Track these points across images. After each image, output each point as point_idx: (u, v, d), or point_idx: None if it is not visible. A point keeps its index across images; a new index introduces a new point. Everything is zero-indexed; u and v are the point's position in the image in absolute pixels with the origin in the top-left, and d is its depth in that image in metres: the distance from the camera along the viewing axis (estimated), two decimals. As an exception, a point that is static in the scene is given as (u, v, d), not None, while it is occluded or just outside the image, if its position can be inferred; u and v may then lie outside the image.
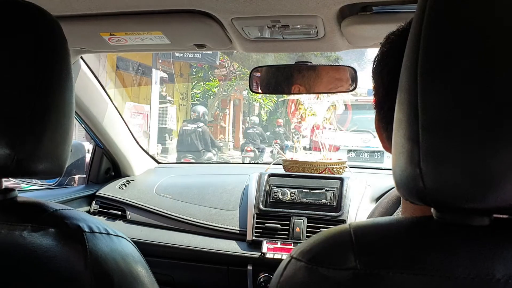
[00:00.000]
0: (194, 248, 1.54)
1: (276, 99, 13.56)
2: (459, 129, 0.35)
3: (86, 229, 0.54)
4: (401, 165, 0.39)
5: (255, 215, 1.54)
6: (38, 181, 1.81)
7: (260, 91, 1.49)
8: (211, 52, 10.31)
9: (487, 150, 0.34)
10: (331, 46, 1.19)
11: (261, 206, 1.56)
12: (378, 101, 0.57)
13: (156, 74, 10.58)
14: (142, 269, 0.60)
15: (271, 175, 1.66)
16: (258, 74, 1.47)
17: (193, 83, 14.12)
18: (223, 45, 1.24)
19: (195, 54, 10.68)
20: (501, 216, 0.39)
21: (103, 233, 0.56)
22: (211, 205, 1.64)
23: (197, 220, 1.60)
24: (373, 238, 0.40)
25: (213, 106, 13.92)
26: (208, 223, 1.58)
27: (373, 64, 0.57)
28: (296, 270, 0.41)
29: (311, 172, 1.71)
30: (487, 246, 0.37)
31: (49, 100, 0.54)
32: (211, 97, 14.13)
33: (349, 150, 6.81)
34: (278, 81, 1.48)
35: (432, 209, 0.41)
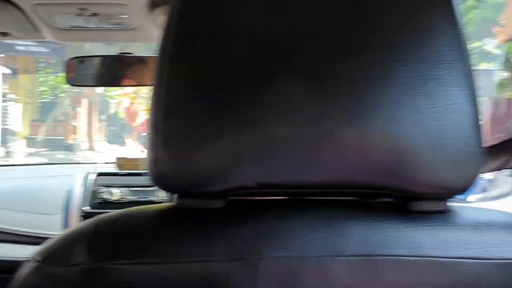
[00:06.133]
0: None
1: (134, 95, 13.16)
2: (192, 115, 0.36)
3: None
4: (146, 151, 0.39)
5: (81, 218, 1.43)
6: None
7: (81, 84, 1.40)
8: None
9: (216, 136, 0.36)
10: (146, 37, 1.17)
11: (85, 208, 1.45)
12: None
13: (-4, 71, 9.47)
14: None
15: (100, 174, 1.56)
16: (81, 65, 1.37)
17: (41, 80, 12.93)
18: (29, 33, 1.15)
19: (41, 48, 9.79)
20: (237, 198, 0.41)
21: None
22: (29, 210, 1.50)
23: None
24: (111, 230, 0.39)
25: (64, 104, 12.91)
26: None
27: None
28: (28, 271, 0.39)
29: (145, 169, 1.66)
30: (214, 227, 0.38)
31: None
32: (62, 94, 13.10)
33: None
34: (104, 72, 1.40)
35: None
